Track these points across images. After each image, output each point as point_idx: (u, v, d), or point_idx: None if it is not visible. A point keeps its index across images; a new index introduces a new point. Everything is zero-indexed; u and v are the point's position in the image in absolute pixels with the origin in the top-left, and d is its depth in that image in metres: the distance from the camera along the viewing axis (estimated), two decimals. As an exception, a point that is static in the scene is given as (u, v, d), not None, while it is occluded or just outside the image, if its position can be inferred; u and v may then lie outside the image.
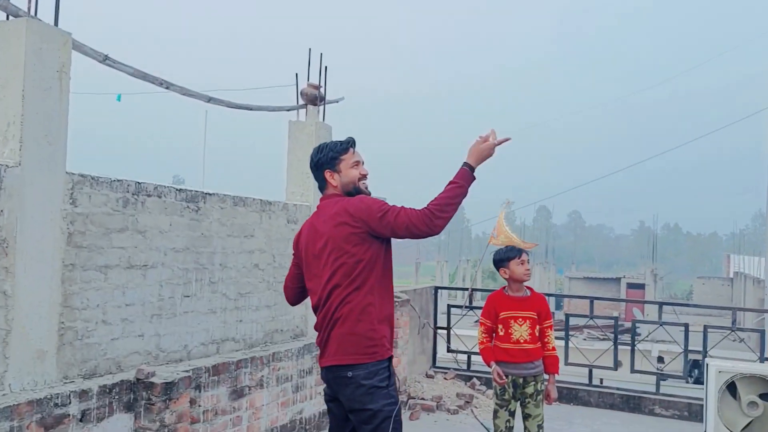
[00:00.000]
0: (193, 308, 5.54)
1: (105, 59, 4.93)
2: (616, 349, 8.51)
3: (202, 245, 5.63)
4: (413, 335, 8.93)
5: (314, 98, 7.26)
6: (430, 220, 3.25)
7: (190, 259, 5.50)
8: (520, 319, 5.02)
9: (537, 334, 5.05)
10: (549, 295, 26.36)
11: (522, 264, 5.02)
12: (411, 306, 8.66)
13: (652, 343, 23.49)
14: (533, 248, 9.24)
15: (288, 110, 7.12)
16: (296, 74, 7.34)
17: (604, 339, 24.83)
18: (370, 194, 3.71)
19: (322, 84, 7.36)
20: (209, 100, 5.94)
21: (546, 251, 48.87)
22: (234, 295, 6.01)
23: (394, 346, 8.11)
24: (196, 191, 5.57)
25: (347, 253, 3.44)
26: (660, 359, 21.00)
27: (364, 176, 3.68)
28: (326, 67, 7.46)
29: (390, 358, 3.55)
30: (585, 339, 26.39)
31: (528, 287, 5.19)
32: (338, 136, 8.30)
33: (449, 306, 9.44)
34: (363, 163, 3.71)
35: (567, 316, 8.91)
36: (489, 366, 5.12)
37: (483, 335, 5.21)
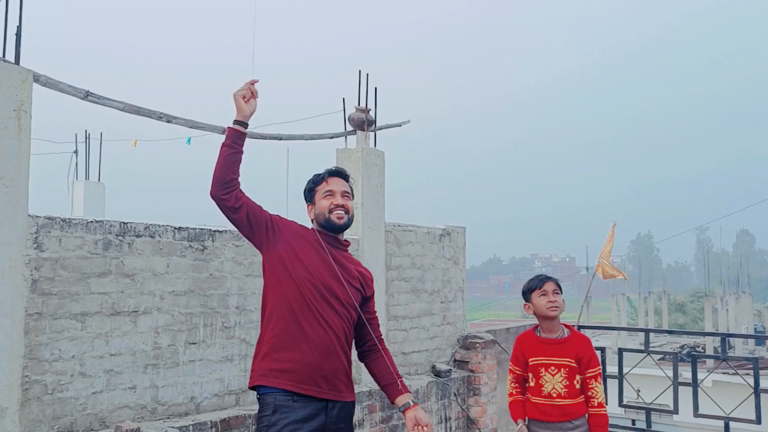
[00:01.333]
0: (201, 356, 5.09)
1: (87, 96, 4.72)
2: (757, 397, 6.89)
3: (211, 287, 5.19)
4: (505, 382, 7.87)
5: (362, 123, 6.67)
6: None
7: (195, 303, 5.07)
8: (553, 367, 4.01)
9: (578, 387, 4.00)
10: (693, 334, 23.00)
11: (544, 295, 4.02)
12: (501, 347, 7.65)
13: None
14: (625, 279, 7.86)
15: (331, 138, 6.59)
16: (343, 99, 6.82)
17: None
18: (341, 226, 3.28)
19: (372, 107, 6.77)
20: (223, 132, 5.54)
21: (738, 281, 43.77)
22: (256, 340, 5.49)
23: (473, 392, 7.16)
24: (202, 229, 5.16)
25: None
26: None
27: (337, 206, 3.27)
28: (376, 89, 6.87)
29: (264, 390, 3.19)
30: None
31: (567, 326, 4.15)
32: (397, 163, 7.66)
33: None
34: (345, 194, 3.33)
35: (694, 355, 7.40)
36: (516, 423, 4.15)
37: (512, 385, 4.26)
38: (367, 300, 3.43)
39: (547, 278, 4.09)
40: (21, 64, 4.31)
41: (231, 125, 3.12)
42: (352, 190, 3.48)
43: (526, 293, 4.11)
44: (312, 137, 6.38)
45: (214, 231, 5.24)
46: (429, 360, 7.23)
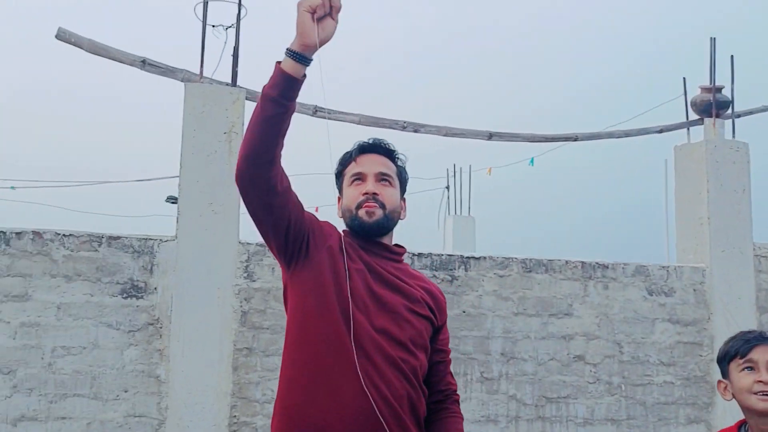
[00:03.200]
0: (451, 413, 4.11)
1: (315, 112, 4.32)
2: None
3: (464, 327, 4.19)
4: None
5: (709, 107, 4.85)
6: None
7: (442, 346, 4.15)
8: None
9: None
10: None
11: (753, 371, 1.96)
12: None
13: None
14: None
15: (659, 132, 4.93)
16: (683, 78, 5.10)
17: None
18: (370, 226, 2.00)
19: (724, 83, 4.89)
20: (490, 137, 4.54)
21: None
22: (533, 398, 4.24)
23: None
24: (450, 255, 4.24)
25: None
26: None
27: (368, 195, 2.00)
28: (732, 57, 4.97)
29: None
30: None
31: None
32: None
33: None
34: (382, 177, 2.05)
35: None
36: None
37: None
38: (437, 332, 2.08)
39: (759, 340, 1.99)
40: (239, 84, 4.14)
41: (280, 61, 1.78)
42: (400, 173, 2.12)
43: (723, 362, 2.08)
44: (628, 134, 4.85)
45: (468, 258, 4.25)
46: None
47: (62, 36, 4.16)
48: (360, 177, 2.04)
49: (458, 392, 2.08)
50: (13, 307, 3.66)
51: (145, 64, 4.16)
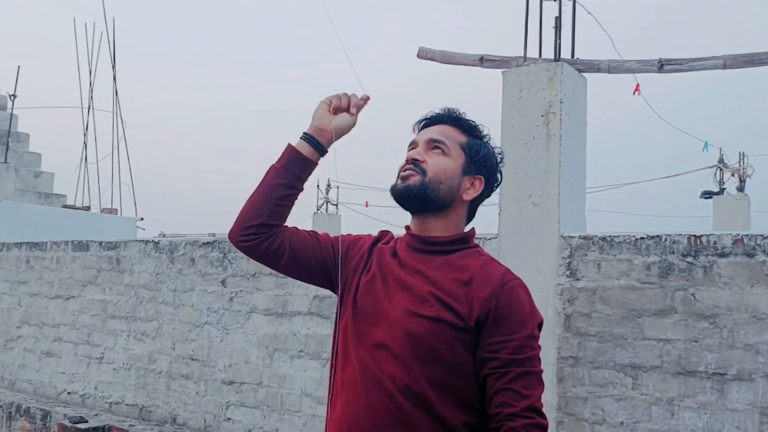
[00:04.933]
0: None
1: (661, 66, 3.47)
2: None
3: None
4: None
5: None
6: None
7: None
8: None
9: None
10: None
11: None
12: None
13: None
14: None
15: None
16: None
17: None
18: (400, 192, 1.71)
19: None
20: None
21: None
22: None
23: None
24: None
25: None
26: None
27: (406, 163, 1.74)
28: None
29: None
30: None
31: None
32: None
33: None
34: (434, 144, 1.74)
35: None
36: None
37: None
38: (478, 334, 1.57)
39: None
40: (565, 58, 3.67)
41: (293, 144, 1.76)
42: (470, 146, 1.72)
43: None
44: None
45: None
46: None
47: (422, 54, 4.46)
48: (412, 147, 1.78)
49: (529, 412, 1.48)
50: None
51: (483, 60, 4.10)
